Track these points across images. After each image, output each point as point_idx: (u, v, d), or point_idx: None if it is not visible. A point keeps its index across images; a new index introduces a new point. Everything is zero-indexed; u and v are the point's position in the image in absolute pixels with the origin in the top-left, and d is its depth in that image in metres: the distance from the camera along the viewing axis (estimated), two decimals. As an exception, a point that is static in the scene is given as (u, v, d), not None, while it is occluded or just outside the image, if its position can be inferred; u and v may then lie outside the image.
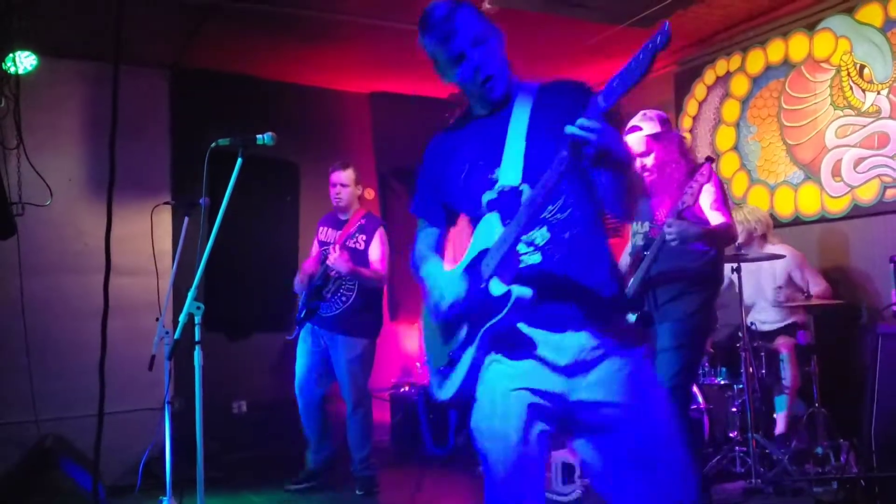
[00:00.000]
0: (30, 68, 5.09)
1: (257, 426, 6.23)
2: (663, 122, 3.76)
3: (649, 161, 3.69)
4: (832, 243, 5.32)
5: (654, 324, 3.63)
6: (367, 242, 4.91)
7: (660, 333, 3.62)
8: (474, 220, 2.16)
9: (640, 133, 3.69)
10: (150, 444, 4.66)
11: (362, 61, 6.37)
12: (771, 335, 4.93)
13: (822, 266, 5.21)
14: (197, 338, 3.24)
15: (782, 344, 4.81)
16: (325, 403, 5.04)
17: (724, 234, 3.68)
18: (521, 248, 2.03)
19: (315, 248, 5.15)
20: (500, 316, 1.96)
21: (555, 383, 2.00)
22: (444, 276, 2.17)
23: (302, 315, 4.93)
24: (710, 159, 3.56)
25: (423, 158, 2.32)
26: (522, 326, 2.02)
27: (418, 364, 7.10)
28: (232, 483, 5.21)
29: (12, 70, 4.93)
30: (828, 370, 4.54)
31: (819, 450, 4.38)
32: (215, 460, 5.33)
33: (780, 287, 4.96)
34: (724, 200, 3.71)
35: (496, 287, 1.99)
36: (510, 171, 2.05)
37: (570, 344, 2.01)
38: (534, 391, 2.00)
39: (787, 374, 4.74)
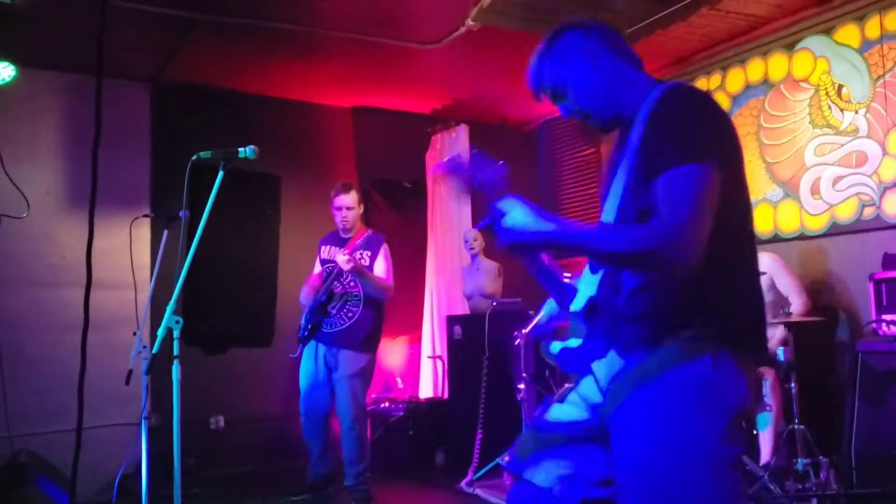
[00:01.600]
0: (8, 79, 5.05)
1: (235, 442, 6.18)
2: None
3: None
4: (811, 260, 5.36)
5: None
6: (373, 258, 4.98)
7: None
8: None
9: None
10: (126, 460, 4.60)
11: (345, 75, 6.37)
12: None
13: (801, 283, 5.23)
14: (175, 352, 3.21)
15: (765, 368, 4.82)
16: (328, 420, 5.06)
17: None
18: None
19: (317, 267, 5.18)
20: None
21: None
22: None
23: (306, 333, 4.97)
24: None
25: None
26: None
27: (399, 379, 7.07)
28: (209, 500, 5.15)
29: (-10, 81, 4.90)
30: (806, 387, 4.55)
31: (799, 466, 4.38)
32: (192, 476, 5.28)
33: (765, 290, 4.96)
34: None
35: None
36: (608, 213, 1.97)
37: None
38: None
39: (771, 393, 4.75)
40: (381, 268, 4.98)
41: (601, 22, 2.06)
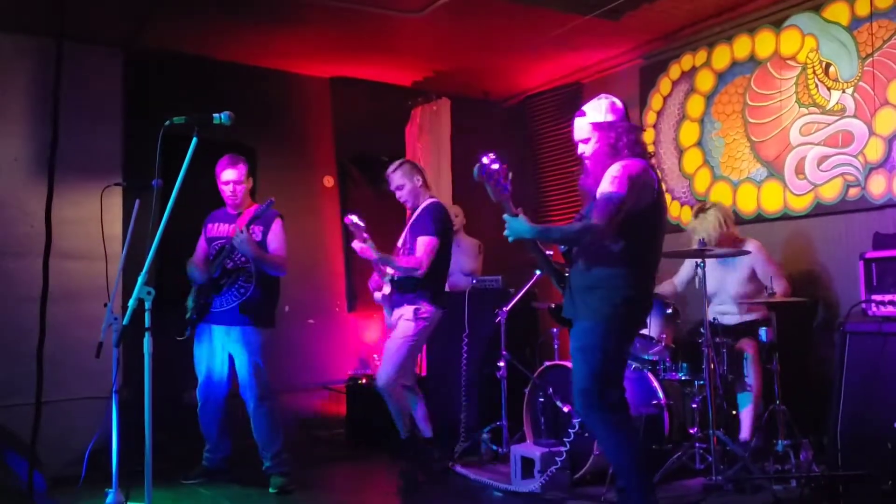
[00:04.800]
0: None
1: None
2: (613, 110, 3.54)
3: (588, 149, 3.55)
4: (795, 241, 5.33)
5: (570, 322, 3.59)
6: (265, 233, 4.75)
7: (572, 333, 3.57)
8: None
9: (583, 119, 3.57)
10: (96, 434, 4.49)
11: (323, 44, 6.22)
12: (733, 331, 4.90)
13: (784, 264, 5.20)
14: (147, 324, 3.13)
15: (746, 343, 4.79)
16: (225, 403, 4.93)
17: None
18: None
19: (202, 245, 4.94)
20: None
21: None
22: None
23: (195, 315, 4.78)
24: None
25: None
26: None
27: (376, 356, 6.98)
28: (180, 475, 5.05)
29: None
30: (788, 368, 4.53)
31: (779, 447, 4.36)
32: (163, 451, 5.16)
33: (746, 279, 4.93)
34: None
35: None
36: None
37: None
38: None
39: (751, 372, 4.72)
40: (275, 241, 4.74)
41: None
